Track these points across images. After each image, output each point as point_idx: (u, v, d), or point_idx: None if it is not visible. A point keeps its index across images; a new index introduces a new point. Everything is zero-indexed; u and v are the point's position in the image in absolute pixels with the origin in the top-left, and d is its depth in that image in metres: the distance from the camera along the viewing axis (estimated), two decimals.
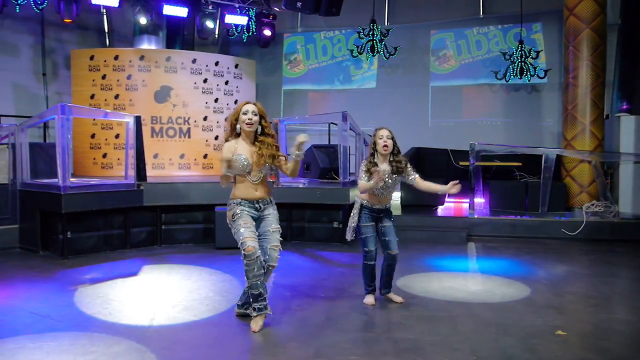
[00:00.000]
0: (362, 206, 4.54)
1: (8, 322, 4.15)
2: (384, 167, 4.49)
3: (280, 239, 4.09)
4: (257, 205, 4.04)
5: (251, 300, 3.96)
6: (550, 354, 3.55)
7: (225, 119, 4.18)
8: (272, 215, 4.10)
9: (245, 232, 3.88)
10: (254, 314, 3.97)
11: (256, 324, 3.97)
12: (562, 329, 4.01)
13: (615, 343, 3.83)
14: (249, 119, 3.97)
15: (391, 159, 4.53)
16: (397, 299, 4.73)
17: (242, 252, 3.85)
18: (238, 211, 3.97)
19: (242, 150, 3.98)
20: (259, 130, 4.04)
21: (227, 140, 4.05)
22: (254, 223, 3.99)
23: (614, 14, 10.20)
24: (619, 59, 9.78)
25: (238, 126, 4.01)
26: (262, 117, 4.04)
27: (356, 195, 4.67)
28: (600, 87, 9.41)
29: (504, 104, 11.76)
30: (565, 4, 9.59)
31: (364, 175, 4.43)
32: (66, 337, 3.83)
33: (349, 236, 4.58)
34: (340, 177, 7.73)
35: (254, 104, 4.05)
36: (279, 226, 4.12)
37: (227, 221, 4.07)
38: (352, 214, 4.57)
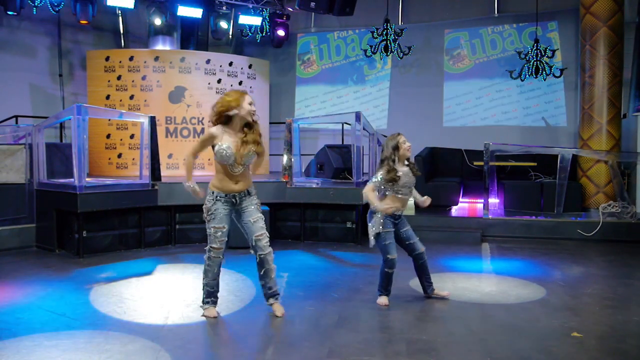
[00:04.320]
0: (384, 216, 4.51)
1: (24, 320, 4.21)
2: (404, 169, 4.55)
3: (263, 225, 4.19)
4: (233, 200, 4.13)
5: (205, 295, 4.28)
6: (566, 356, 3.51)
7: (213, 107, 4.17)
8: (251, 205, 4.18)
9: (219, 237, 4.11)
10: (207, 306, 4.28)
11: (211, 313, 4.25)
12: (578, 331, 3.97)
13: (632, 345, 3.78)
14: (254, 110, 4.07)
15: (407, 163, 4.60)
16: (444, 293, 4.80)
17: (209, 253, 4.16)
18: (213, 210, 4.10)
19: (226, 140, 4.01)
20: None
21: (215, 125, 4.08)
22: (226, 226, 4.13)
23: (631, 12, 10.06)
24: (637, 58, 9.65)
25: (234, 112, 4.00)
26: None
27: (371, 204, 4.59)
28: (617, 86, 9.28)
29: (519, 104, 11.65)
30: (581, 2, 9.47)
31: (380, 179, 4.45)
32: (82, 335, 3.87)
33: (372, 244, 4.53)
34: (353, 177, 7.72)
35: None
36: (261, 214, 4.20)
37: (204, 212, 4.17)
38: (373, 221, 4.51)
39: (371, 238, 4.53)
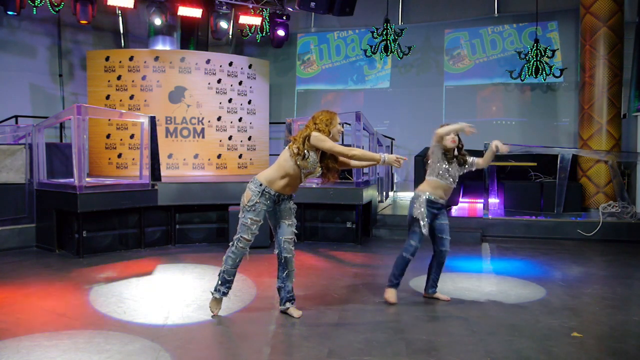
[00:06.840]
0: (427, 200, 4.55)
1: (24, 320, 4.20)
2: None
3: (296, 231, 4.29)
4: (276, 199, 4.18)
5: (219, 283, 4.25)
6: (566, 356, 3.51)
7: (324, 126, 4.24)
8: (288, 209, 4.25)
9: (253, 229, 4.13)
10: (218, 295, 4.27)
11: (215, 305, 4.29)
12: (578, 331, 3.97)
13: (632, 345, 3.78)
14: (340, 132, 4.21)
15: (456, 154, 4.67)
16: (445, 297, 4.77)
17: (237, 243, 4.15)
18: (255, 202, 4.09)
19: (314, 154, 4.11)
20: None
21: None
22: (262, 221, 4.18)
23: (631, 12, 10.06)
24: (637, 58, 9.65)
25: (334, 130, 4.14)
26: None
27: (419, 190, 4.66)
28: (617, 86, 9.29)
29: (519, 104, 11.65)
30: (581, 2, 9.48)
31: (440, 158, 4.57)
32: (81, 335, 3.86)
33: (425, 231, 4.53)
34: (353, 177, 7.71)
35: None
36: (295, 220, 4.28)
37: (242, 199, 4.16)
38: (419, 209, 4.52)
39: (423, 226, 4.50)
